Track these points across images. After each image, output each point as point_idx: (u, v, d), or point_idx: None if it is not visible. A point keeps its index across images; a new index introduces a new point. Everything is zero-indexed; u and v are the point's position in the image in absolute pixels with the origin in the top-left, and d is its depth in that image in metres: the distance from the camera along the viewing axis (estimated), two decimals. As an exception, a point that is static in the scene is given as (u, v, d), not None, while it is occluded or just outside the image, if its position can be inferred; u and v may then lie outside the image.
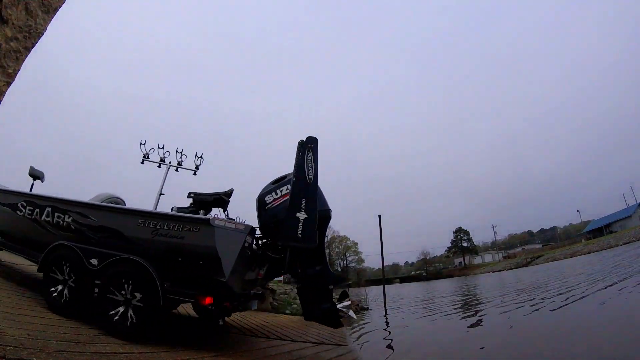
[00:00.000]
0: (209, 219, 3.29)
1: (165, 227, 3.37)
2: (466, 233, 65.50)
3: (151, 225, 3.41)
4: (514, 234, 74.47)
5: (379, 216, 12.45)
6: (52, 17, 2.58)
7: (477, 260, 63.70)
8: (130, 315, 3.11)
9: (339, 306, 3.68)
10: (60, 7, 2.70)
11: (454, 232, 66.12)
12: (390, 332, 5.63)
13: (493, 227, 66.62)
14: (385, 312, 9.63)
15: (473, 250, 65.79)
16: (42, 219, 3.94)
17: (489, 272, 42.08)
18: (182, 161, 5.27)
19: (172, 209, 4.31)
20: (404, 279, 58.83)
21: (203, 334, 4.16)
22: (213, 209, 4.26)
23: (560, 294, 7.39)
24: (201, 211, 4.11)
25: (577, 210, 62.54)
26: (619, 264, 11.97)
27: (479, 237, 76.31)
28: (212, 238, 3.22)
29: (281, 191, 3.86)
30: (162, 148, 5.17)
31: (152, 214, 3.63)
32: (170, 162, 5.14)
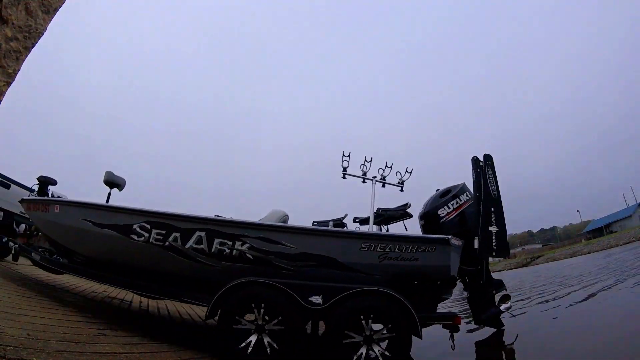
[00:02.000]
0: (448, 239, 3.17)
1: (396, 250, 3.16)
2: (466, 233, 65.34)
3: (379, 249, 3.16)
4: (514, 234, 74.63)
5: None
6: (52, 17, 2.59)
7: (477, 260, 63.57)
8: (377, 354, 2.82)
9: (501, 308, 3.91)
10: (60, 7, 2.70)
11: (454, 232, 66.04)
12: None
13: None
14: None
15: (473, 250, 65.64)
16: (189, 246, 3.26)
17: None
18: (386, 176, 4.57)
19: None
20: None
21: (204, 334, 4.16)
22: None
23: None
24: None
25: (577, 210, 62.99)
26: (606, 266, 11.98)
27: (479, 237, 76.31)
28: (447, 257, 3.15)
29: (452, 205, 3.93)
30: (370, 162, 4.49)
31: (380, 236, 3.34)
32: (374, 177, 4.49)
